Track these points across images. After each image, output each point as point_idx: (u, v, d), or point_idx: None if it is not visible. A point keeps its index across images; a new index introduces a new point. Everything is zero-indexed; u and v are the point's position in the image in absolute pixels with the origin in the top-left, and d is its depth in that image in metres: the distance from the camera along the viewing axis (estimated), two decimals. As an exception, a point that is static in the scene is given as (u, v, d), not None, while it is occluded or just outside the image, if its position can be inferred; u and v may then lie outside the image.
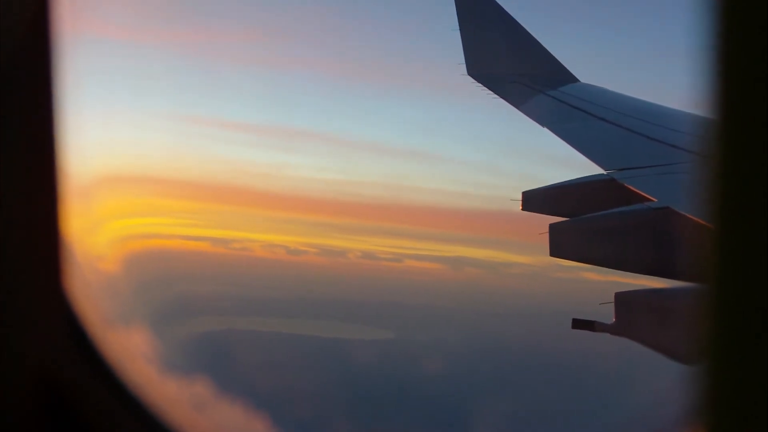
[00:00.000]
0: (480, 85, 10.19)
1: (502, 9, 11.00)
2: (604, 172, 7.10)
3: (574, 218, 6.62)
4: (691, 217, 5.44)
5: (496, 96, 9.94)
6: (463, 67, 10.60)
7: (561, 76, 10.45)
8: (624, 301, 5.32)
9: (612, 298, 5.37)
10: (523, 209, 7.83)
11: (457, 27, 10.83)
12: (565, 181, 7.59)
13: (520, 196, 7.92)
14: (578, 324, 5.67)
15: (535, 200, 7.76)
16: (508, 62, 10.57)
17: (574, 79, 10.43)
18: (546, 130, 8.71)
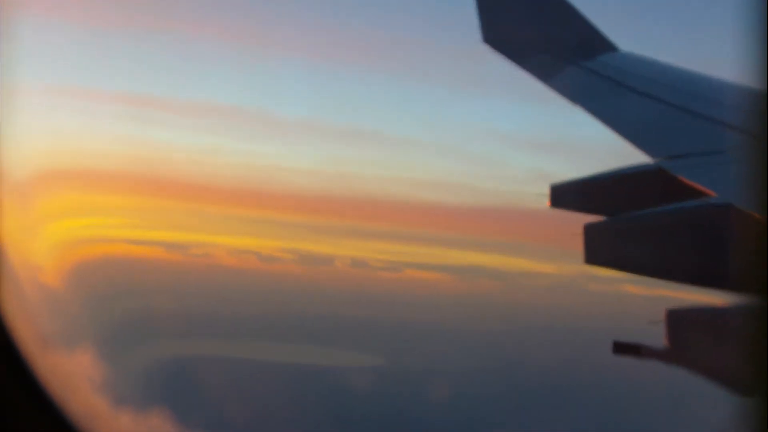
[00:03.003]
0: (498, 53, 10.18)
1: None
2: (651, 161, 7.09)
3: (615, 217, 6.61)
4: (759, 216, 5.42)
5: (517, 67, 9.93)
6: (477, 33, 10.58)
7: (597, 43, 10.44)
8: (678, 319, 5.29)
9: (662, 316, 5.35)
10: (551, 206, 7.82)
11: None
12: (604, 172, 7.58)
13: (546, 190, 7.91)
14: (620, 348, 5.64)
15: (566, 195, 7.75)
16: (533, 26, 10.57)
17: (613, 47, 10.42)
18: (578, 109, 8.70)
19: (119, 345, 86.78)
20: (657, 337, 5.43)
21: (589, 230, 6.30)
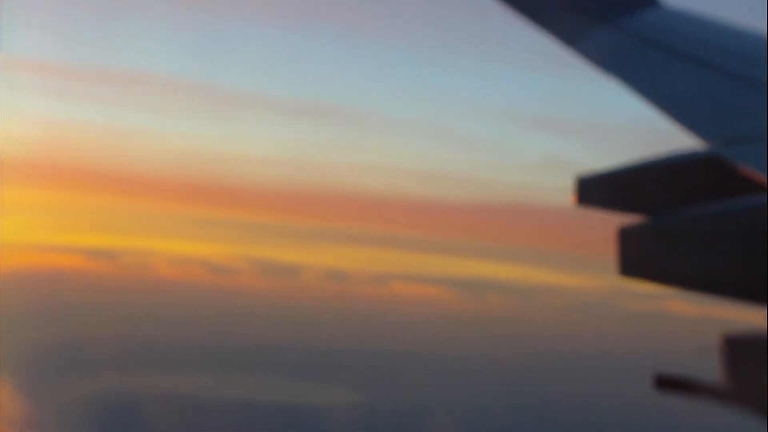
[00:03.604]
0: (509, 9, 10.16)
1: None
2: (703, 146, 7.06)
3: (657, 217, 6.58)
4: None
5: (533, 27, 9.91)
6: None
7: None
8: (736, 347, 5.24)
9: (715, 342, 5.31)
10: (577, 203, 7.79)
11: None
12: (643, 160, 7.55)
13: (570, 183, 7.88)
14: (664, 382, 5.59)
15: (595, 189, 7.71)
16: None
17: (655, 2, 10.41)
18: (611, 80, 8.68)
19: (45, 380, 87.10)
20: (709, 368, 5.39)
21: (625, 234, 6.27)
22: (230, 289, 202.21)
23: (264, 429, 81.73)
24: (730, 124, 7.45)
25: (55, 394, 78.92)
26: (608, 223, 6.69)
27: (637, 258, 6.22)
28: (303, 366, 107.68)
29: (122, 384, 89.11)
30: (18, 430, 68.88)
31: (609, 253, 6.26)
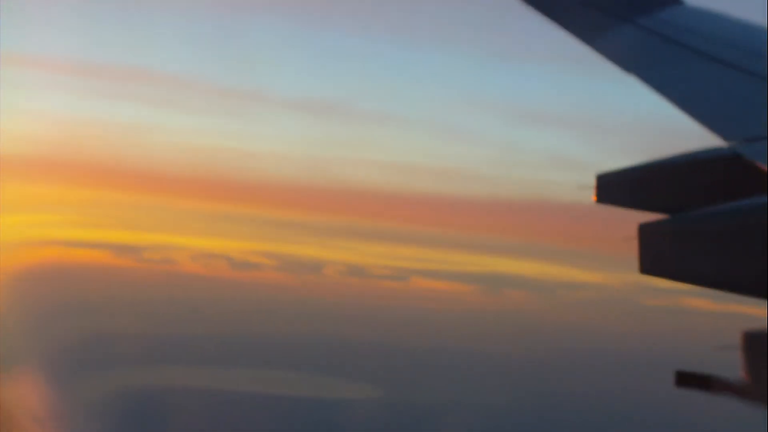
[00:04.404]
0: (530, 8, 10.16)
1: None
2: (725, 144, 7.03)
3: (678, 215, 6.55)
4: None
5: (555, 25, 9.90)
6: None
7: None
8: (759, 344, 5.21)
9: (736, 339, 5.28)
10: (597, 201, 7.78)
11: None
12: (664, 158, 7.53)
13: (590, 180, 7.88)
14: (685, 379, 5.58)
15: (616, 187, 7.72)
16: None
17: (677, 0, 10.39)
18: (633, 79, 8.67)
19: (66, 372, 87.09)
20: (731, 366, 5.36)
21: (646, 231, 6.24)
22: (251, 284, 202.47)
23: (283, 423, 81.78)
24: (750, 122, 7.43)
25: (78, 389, 79.13)
26: (629, 221, 6.66)
27: (659, 255, 6.19)
28: (322, 361, 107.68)
29: (146, 378, 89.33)
30: (41, 424, 69.13)
31: (628, 250, 6.24)
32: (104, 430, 74.89)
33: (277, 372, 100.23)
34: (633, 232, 6.25)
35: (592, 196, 7.82)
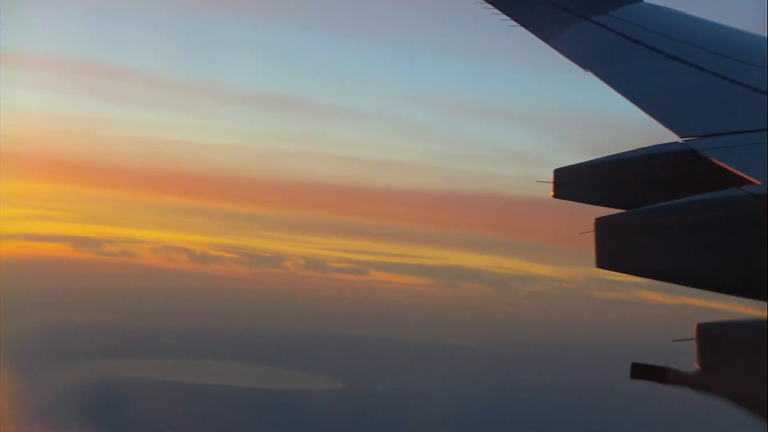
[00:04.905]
0: (490, 6, 10.15)
1: None
2: (679, 140, 7.06)
3: (634, 210, 6.56)
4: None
5: (513, 23, 9.89)
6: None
7: None
8: (712, 336, 5.24)
9: (689, 332, 5.30)
10: (554, 196, 7.77)
11: None
12: (621, 153, 7.55)
13: (548, 176, 7.87)
14: (640, 371, 5.58)
15: (573, 182, 7.71)
16: None
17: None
18: (589, 75, 8.67)
19: (27, 366, 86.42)
20: (684, 358, 5.37)
21: (602, 226, 6.23)
22: (212, 278, 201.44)
23: (245, 415, 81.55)
24: (704, 118, 7.46)
25: (43, 382, 78.60)
26: (585, 216, 6.66)
27: (614, 250, 6.19)
28: (283, 352, 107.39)
29: (108, 371, 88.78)
30: (10, 417, 68.71)
31: (585, 244, 6.24)
32: (66, 422, 74.52)
33: (239, 364, 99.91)
34: (590, 226, 6.25)
35: (549, 191, 7.81)
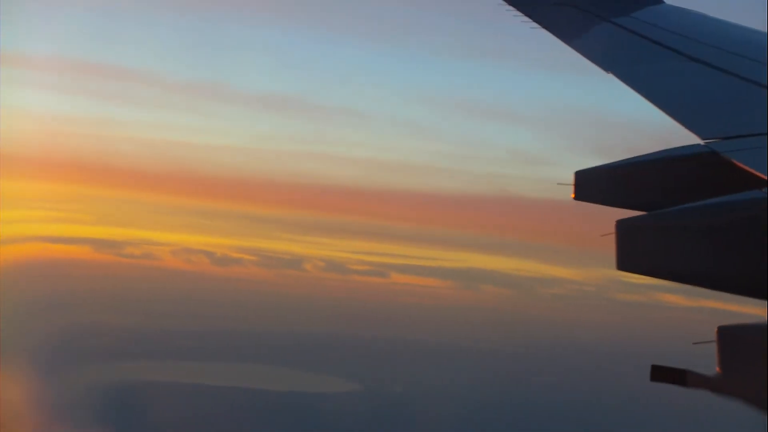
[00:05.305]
0: (511, 8, 10.13)
1: None
2: (701, 142, 7.03)
3: (655, 212, 6.53)
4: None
5: (534, 24, 9.88)
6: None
7: None
8: (733, 339, 5.21)
9: (710, 334, 5.27)
10: (575, 198, 7.75)
11: None
12: (642, 156, 7.52)
13: (570, 179, 7.85)
14: (660, 373, 5.56)
15: (595, 184, 7.69)
16: None
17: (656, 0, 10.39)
18: (610, 77, 8.65)
19: (48, 368, 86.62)
20: (704, 360, 5.35)
21: (624, 228, 6.21)
22: (232, 280, 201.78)
23: (263, 417, 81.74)
24: (726, 120, 7.43)
25: (61, 384, 78.91)
26: (606, 218, 6.63)
27: (635, 252, 6.17)
28: (304, 354, 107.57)
29: (129, 372, 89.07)
30: (24, 417, 69.07)
31: (606, 247, 6.21)
32: (87, 422, 74.84)
33: (258, 366, 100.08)
34: (609, 228, 6.23)
35: (569, 193, 7.80)
